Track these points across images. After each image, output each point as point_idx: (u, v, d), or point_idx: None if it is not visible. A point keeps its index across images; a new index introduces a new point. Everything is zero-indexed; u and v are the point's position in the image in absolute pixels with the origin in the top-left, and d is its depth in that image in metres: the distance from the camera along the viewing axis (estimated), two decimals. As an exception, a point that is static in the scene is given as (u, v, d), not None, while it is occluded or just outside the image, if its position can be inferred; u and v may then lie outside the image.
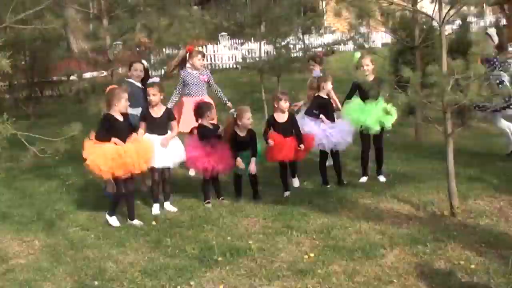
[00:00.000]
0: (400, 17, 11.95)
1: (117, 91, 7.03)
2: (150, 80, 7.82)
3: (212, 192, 7.65)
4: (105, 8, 9.89)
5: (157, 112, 7.30)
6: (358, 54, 8.27)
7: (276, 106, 7.59)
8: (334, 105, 8.21)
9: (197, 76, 9.01)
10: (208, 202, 7.47)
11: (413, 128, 11.07)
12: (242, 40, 19.34)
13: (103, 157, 6.61)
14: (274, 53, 17.91)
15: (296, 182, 8.06)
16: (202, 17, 12.55)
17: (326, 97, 7.97)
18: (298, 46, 19.69)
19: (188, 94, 9.02)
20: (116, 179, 6.84)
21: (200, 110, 7.61)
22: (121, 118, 6.88)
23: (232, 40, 25.21)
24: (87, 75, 13.73)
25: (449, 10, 6.27)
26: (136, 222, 6.96)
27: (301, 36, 19.71)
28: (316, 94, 7.97)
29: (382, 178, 8.19)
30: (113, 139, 6.70)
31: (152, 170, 7.26)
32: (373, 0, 6.80)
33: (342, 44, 21.08)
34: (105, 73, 11.34)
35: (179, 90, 9.11)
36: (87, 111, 10.29)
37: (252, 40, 18.44)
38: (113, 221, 6.92)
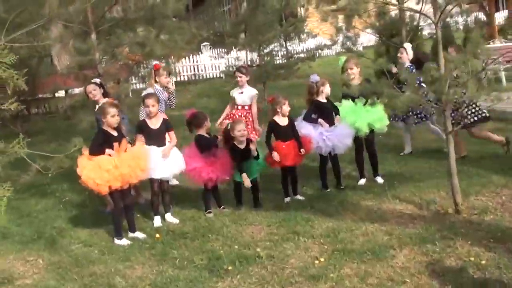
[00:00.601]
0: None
1: (104, 107, 6.92)
2: (145, 92, 7.78)
3: (212, 201, 7.61)
4: (92, 22, 9.83)
5: (155, 123, 7.25)
6: (343, 58, 8.32)
7: (278, 110, 7.59)
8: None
9: (163, 93, 8.91)
10: (210, 212, 7.43)
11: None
12: (225, 50, 19.31)
13: (98, 170, 6.52)
14: (257, 61, 18.04)
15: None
16: (190, 28, 12.47)
17: (325, 100, 7.97)
18: (280, 53, 19.88)
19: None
20: (113, 194, 6.76)
21: (197, 119, 7.57)
22: (114, 133, 6.83)
23: (214, 50, 25.27)
24: (76, 91, 13.67)
25: (444, 9, 6.31)
26: (138, 234, 6.91)
27: (283, 43, 19.86)
28: (315, 98, 7.97)
29: (379, 180, 8.22)
30: (107, 151, 6.61)
31: (151, 181, 7.22)
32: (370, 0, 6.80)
33: (325, 49, 21.21)
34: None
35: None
36: (76, 127, 10.25)
37: (236, 49, 18.49)
38: (124, 242, 6.78)
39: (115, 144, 6.72)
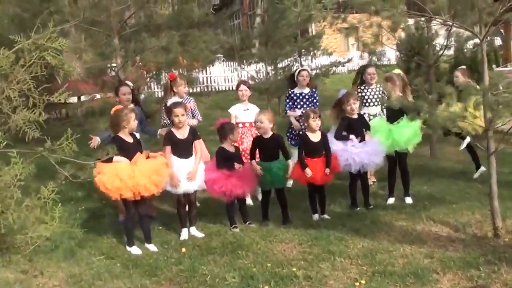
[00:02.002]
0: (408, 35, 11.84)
1: (125, 112, 6.72)
2: (171, 101, 7.53)
3: (237, 215, 7.35)
4: (114, 26, 9.61)
5: (182, 133, 7.00)
6: (397, 70, 8.09)
7: (307, 124, 7.37)
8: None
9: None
10: (235, 227, 7.16)
11: (426, 147, 10.89)
12: (248, 61, 19.10)
13: (113, 176, 6.32)
14: (271, 74, 17.83)
15: (326, 216, 7.65)
16: (217, 37, 12.26)
17: (356, 116, 7.71)
18: (294, 68, 19.70)
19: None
20: (126, 201, 6.56)
21: (222, 131, 7.35)
22: (130, 140, 6.62)
23: (226, 63, 25.16)
24: (84, 97, 13.41)
25: (489, 27, 6.08)
26: (151, 246, 6.68)
27: (298, 58, 19.71)
28: (346, 115, 7.72)
29: (408, 200, 7.96)
30: (115, 158, 6.32)
31: (177, 194, 6.96)
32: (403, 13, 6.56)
33: (339, 66, 21.10)
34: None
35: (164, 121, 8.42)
36: (88, 133, 10.01)
37: (248, 62, 18.29)
38: (135, 250, 6.58)
39: (137, 154, 6.52)
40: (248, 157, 7.69)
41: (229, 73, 25.37)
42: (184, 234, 6.98)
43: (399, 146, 7.69)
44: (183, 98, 8.34)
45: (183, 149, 6.94)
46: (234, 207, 7.31)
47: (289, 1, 16.01)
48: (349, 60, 21.12)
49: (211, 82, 25.02)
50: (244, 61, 24.63)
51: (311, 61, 23.26)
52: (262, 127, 7.32)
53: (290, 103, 9.02)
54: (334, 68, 20.70)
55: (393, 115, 7.64)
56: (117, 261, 6.40)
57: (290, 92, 9.11)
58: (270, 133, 7.33)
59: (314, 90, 9.14)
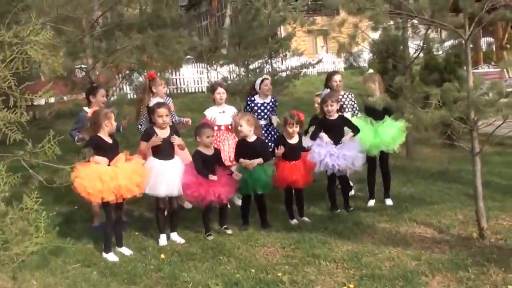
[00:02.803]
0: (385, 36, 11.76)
1: (105, 112, 6.49)
2: (154, 100, 7.31)
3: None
4: (85, 25, 9.31)
5: (164, 133, 6.78)
6: (370, 70, 7.93)
7: (288, 128, 7.19)
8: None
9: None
10: (209, 235, 6.87)
11: (402, 148, 10.82)
12: (219, 62, 18.83)
13: (93, 179, 6.08)
14: (242, 76, 17.62)
15: (305, 219, 7.44)
16: (191, 38, 11.99)
17: (333, 117, 7.53)
18: (265, 70, 19.52)
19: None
20: (106, 206, 6.34)
21: (195, 131, 7.07)
22: (109, 140, 6.40)
23: (195, 64, 24.88)
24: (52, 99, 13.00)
25: (474, 27, 6.01)
26: (124, 250, 6.48)
27: (268, 60, 19.51)
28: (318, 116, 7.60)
29: (389, 202, 7.86)
30: (95, 158, 6.08)
31: (157, 198, 6.73)
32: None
33: (310, 67, 20.97)
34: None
35: (144, 122, 8.06)
36: (56, 136, 9.65)
37: (223, 63, 18.02)
38: (111, 257, 6.35)
39: (116, 155, 6.30)
40: (228, 161, 7.50)
41: (198, 74, 25.09)
42: (163, 240, 6.75)
43: (385, 145, 7.56)
44: (164, 98, 8.07)
45: (164, 149, 6.72)
46: (209, 214, 7.01)
47: (259, 1, 15.84)
48: (319, 61, 21.00)
49: (180, 84, 24.73)
50: (213, 62, 24.37)
51: (281, 63, 23.16)
52: (241, 131, 7.13)
53: (250, 111, 8.47)
54: (304, 70, 20.55)
55: (375, 115, 7.52)
56: (93, 269, 6.15)
57: (250, 101, 8.65)
58: (254, 137, 7.13)
59: (274, 98, 8.79)
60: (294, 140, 7.19)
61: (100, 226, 7.08)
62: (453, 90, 6.00)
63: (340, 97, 8.20)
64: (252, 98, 8.65)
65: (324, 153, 7.25)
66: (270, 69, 19.99)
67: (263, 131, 8.39)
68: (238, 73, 15.74)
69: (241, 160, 7.01)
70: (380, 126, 7.56)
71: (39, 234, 3.54)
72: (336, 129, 7.47)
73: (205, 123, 7.27)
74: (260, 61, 18.60)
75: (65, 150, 5.75)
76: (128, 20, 9.67)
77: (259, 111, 8.51)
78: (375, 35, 10.95)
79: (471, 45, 6.47)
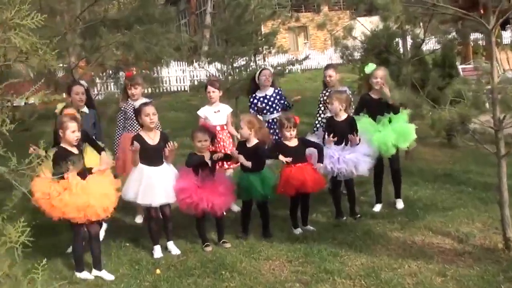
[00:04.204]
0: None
1: (63, 121, 5.68)
2: (140, 101, 6.69)
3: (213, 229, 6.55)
4: (67, 21, 8.63)
5: (153, 137, 6.18)
6: (372, 66, 7.33)
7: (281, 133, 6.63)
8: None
9: None
10: (207, 245, 6.30)
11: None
12: (203, 60, 18.24)
13: (48, 194, 5.38)
14: (227, 73, 17.06)
15: (309, 227, 6.86)
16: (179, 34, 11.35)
17: (341, 117, 6.99)
18: (249, 68, 18.97)
19: (128, 129, 7.36)
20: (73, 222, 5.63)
21: (191, 134, 6.50)
22: (75, 150, 5.65)
23: (177, 62, 24.25)
24: (31, 100, 12.26)
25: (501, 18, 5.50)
26: (104, 274, 5.73)
27: (253, 57, 18.98)
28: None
29: (400, 204, 7.35)
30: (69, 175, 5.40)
31: (148, 207, 6.12)
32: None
33: (296, 64, 20.51)
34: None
35: (122, 125, 7.47)
36: (35, 138, 8.97)
37: (211, 61, 17.41)
38: (84, 275, 5.70)
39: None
40: (221, 164, 6.93)
41: (181, 73, 24.48)
42: (157, 252, 6.13)
43: (399, 143, 7.07)
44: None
45: (153, 156, 6.13)
46: (203, 223, 6.43)
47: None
48: (306, 58, 20.56)
49: (162, 83, 24.06)
50: (193, 61, 23.76)
51: (264, 60, 22.63)
52: (240, 133, 6.57)
53: (256, 109, 8.05)
54: (290, 67, 20.08)
55: (376, 111, 7.08)
56: (82, 286, 5.53)
57: (251, 98, 8.17)
58: (254, 141, 6.53)
59: (278, 89, 8.25)
60: (293, 143, 6.60)
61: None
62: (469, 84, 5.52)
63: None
64: (254, 95, 8.15)
65: (331, 158, 6.72)
66: (254, 67, 19.51)
67: (273, 126, 7.95)
68: (223, 71, 15.13)
69: (238, 155, 6.39)
70: (393, 123, 7.05)
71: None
72: (342, 132, 6.92)
73: (202, 126, 6.64)
74: (244, 58, 18.09)
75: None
76: (113, 15, 8.97)
77: (263, 104, 8.04)
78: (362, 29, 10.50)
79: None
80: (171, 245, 6.26)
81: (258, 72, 8.30)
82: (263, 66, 18.50)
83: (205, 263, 5.79)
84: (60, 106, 6.58)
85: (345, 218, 7.02)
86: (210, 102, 7.62)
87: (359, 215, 7.07)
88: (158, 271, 5.65)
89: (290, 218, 6.75)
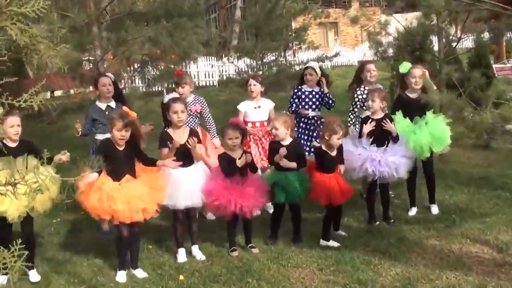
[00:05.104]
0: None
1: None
2: (168, 96, 6.46)
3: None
4: (93, 13, 8.44)
5: (181, 135, 5.91)
6: (408, 65, 7.00)
7: (326, 138, 6.19)
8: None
9: (188, 106, 7.09)
10: (234, 250, 6.04)
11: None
12: (232, 55, 18.03)
13: (93, 194, 5.31)
14: (255, 68, 16.80)
15: (341, 233, 6.58)
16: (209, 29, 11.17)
17: (377, 116, 6.68)
18: (278, 63, 18.70)
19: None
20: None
21: (223, 133, 6.25)
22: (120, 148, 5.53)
23: (205, 57, 24.08)
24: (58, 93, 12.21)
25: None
26: (139, 272, 5.61)
27: (282, 53, 18.69)
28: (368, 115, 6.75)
29: (435, 209, 7.05)
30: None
31: (174, 210, 5.89)
32: None
33: (326, 61, 20.16)
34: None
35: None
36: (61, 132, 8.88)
37: (240, 56, 17.20)
38: (120, 277, 5.52)
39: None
40: (259, 163, 6.72)
41: (209, 68, 24.32)
42: (182, 255, 5.91)
43: (436, 146, 6.77)
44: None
45: (181, 156, 5.83)
46: (234, 227, 6.18)
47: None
48: (337, 54, 20.22)
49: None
50: (223, 56, 23.56)
51: (294, 56, 22.29)
52: (276, 134, 6.26)
53: (297, 101, 7.77)
54: (320, 63, 19.73)
55: (414, 112, 6.80)
56: (102, 290, 5.34)
57: (296, 90, 7.87)
58: (289, 139, 6.27)
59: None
60: (334, 152, 6.29)
61: (110, 232, 6.42)
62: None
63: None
64: (300, 87, 7.88)
65: (364, 157, 6.42)
66: (284, 62, 19.23)
67: (312, 123, 7.75)
68: (253, 67, 14.88)
69: (276, 156, 6.07)
70: (430, 126, 6.74)
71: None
72: (380, 130, 6.60)
73: (232, 122, 6.32)
74: (274, 53, 17.84)
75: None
76: (141, 9, 8.76)
77: (306, 99, 7.76)
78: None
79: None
80: (195, 250, 6.03)
81: (303, 70, 8.05)
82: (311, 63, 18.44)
83: (231, 269, 5.55)
84: None
85: (378, 222, 6.73)
86: (250, 97, 7.47)
87: (392, 220, 6.77)
88: (181, 277, 5.41)
89: (322, 227, 6.34)
